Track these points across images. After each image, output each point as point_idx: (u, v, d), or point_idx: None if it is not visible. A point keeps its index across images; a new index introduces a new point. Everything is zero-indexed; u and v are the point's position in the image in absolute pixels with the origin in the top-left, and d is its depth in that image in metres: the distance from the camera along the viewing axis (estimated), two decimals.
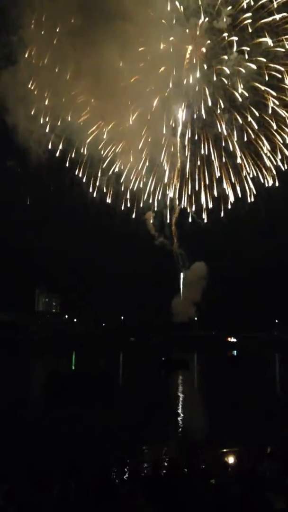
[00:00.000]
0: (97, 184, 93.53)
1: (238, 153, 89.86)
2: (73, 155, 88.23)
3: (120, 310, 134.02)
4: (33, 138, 79.65)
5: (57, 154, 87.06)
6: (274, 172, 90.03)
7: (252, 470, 8.41)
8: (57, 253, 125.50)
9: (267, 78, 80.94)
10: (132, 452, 19.35)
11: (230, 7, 79.65)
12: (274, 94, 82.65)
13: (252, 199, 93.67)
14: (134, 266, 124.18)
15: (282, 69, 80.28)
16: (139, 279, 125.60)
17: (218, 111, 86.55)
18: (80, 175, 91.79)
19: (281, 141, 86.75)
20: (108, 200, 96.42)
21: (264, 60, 79.86)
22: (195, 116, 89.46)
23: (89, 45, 74.26)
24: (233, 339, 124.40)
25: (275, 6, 76.66)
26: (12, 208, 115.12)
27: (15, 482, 8.02)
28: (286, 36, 78.81)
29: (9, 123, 76.48)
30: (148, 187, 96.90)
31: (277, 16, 77.52)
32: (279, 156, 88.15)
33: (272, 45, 78.96)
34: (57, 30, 74.74)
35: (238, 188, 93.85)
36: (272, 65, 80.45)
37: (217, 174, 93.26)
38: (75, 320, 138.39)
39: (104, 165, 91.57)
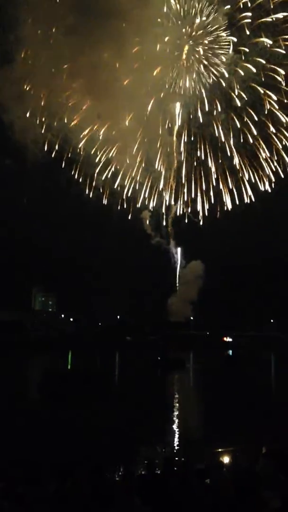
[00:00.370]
0: (94, 183, 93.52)
1: (235, 155, 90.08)
2: (69, 155, 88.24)
3: (116, 310, 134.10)
4: (29, 137, 79.44)
5: (53, 154, 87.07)
6: (271, 173, 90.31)
7: (247, 470, 8.40)
8: (53, 252, 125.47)
9: (263, 79, 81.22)
10: (127, 452, 19.33)
11: (227, 6, 79.81)
12: (271, 94, 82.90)
13: (248, 200, 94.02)
14: (131, 266, 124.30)
15: (279, 69, 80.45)
16: (135, 278, 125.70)
17: (215, 112, 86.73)
18: (77, 174, 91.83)
19: (279, 143, 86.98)
20: (105, 200, 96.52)
21: (262, 61, 79.96)
22: (191, 117, 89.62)
23: (85, 45, 74.15)
24: (228, 339, 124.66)
25: (271, 6, 76.79)
26: (8, 207, 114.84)
27: (10, 480, 8.00)
28: (284, 36, 78.82)
29: (5, 121, 76.23)
30: (144, 186, 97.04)
31: (275, 16, 77.64)
32: (276, 157, 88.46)
33: (269, 44, 79.12)
34: (54, 30, 74.71)
35: (234, 190, 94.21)
36: (269, 65, 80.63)
37: (214, 175, 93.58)
38: (71, 319, 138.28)
39: (100, 165, 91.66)
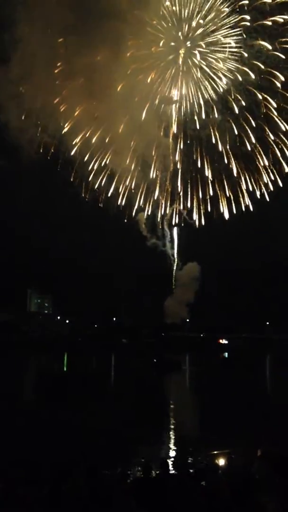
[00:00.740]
0: (90, 185, 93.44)
1: (232, 159, 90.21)
2: (65, 155, 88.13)
3: (112, 312, 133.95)
4: (25, 138, 79.25)
5: (49, 155, 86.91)
6: (267, 178, 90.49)
7: (243, 473, 8.40)
8: (49, 254, 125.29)
9: (259, 81, 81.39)
10: (123, 453, 19.28)
11: (225, 9, 79.94)
12: (268, 97, 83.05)
13: (246, 203, 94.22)
14: (127, 267, 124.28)
15: (277, 73, 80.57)
16: (131, 280, 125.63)
17: (211, 116, 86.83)
18: (73, 175, 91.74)
19: (275, 145, 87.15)
20: (101, 202, 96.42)
21: (260, 64, 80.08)
22: (187, 119, 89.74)
23: (81, 45, 74.07)
24: (224, 341, 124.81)
25: (268, 9, 76.93)
26: (4, 209, 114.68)
27: (7, 480, 7.96)
28: (283, 39, 78.79)
29: (1, 121, 75.95)
30: (140, 189, 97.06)
31: (273, 19, 77.70)
32: (271, 160, 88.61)
33: (266, 48, 79.23)
34: (49, 30, 74.67)
35: (230, 194, 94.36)
36: (267, 68, 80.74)
37: (210, 178, 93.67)
38: (67, 321, 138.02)
39: (96, 167, 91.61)
